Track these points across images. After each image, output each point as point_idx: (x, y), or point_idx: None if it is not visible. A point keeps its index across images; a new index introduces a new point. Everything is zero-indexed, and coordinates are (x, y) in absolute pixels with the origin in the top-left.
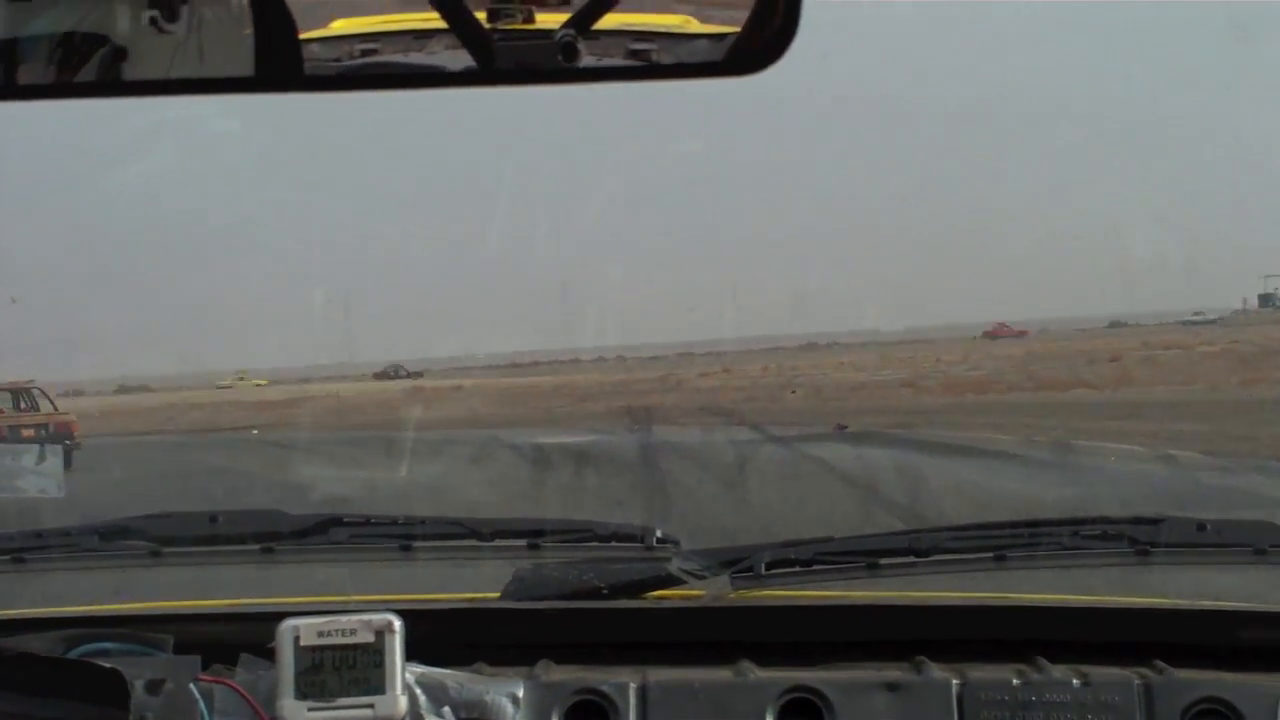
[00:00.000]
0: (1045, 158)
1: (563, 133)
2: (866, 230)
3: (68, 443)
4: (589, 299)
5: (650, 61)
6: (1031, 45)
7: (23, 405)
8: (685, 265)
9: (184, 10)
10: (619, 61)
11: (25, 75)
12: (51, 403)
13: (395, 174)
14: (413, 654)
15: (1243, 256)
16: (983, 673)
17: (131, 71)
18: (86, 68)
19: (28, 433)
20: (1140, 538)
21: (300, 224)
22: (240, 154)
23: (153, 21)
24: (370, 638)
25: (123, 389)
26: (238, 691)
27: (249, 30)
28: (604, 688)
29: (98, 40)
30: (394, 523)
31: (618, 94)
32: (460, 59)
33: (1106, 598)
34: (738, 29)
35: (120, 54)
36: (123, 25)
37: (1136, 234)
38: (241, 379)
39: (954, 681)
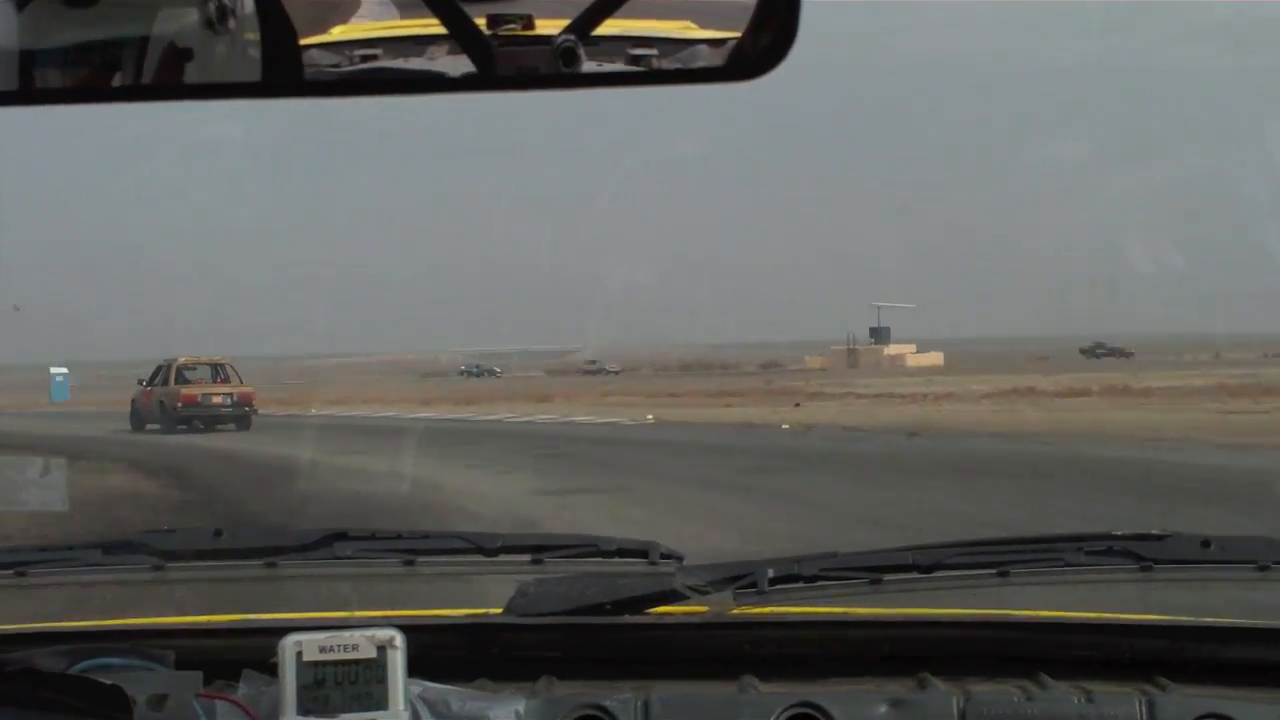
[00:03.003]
0: (1046, 167)
1: (562, 137)
2: (863, 239)
3: (247, 409)
4: (588, 301)
5: (650, 67)
6: (1033, 53)
7: (219, 377)
8: (684, 269)
9: (182, 16)
10: (619, 67)
11: (33, 80)
12: (239, 376)
13: (394, 178)
14: (415, 669)
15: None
16: (986, 689)
17: (133, 77)
18: (90, 74)
19: (217, 399)
20: (1144, 554)
21: (299, 227)
22: (242, 158)
23: (153, 28)
24: (373, 653)
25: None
26: (240, 707)
27: (249, 36)
28: (607, 703)
29: (99, 47)
30: (398, 537)
31: (618, 99)
32: (460, 64)
33: (1110, 614)
34: (738, 34)
35: (121, 60)
36: (124, 32)
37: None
38: None
39: (957, 698)
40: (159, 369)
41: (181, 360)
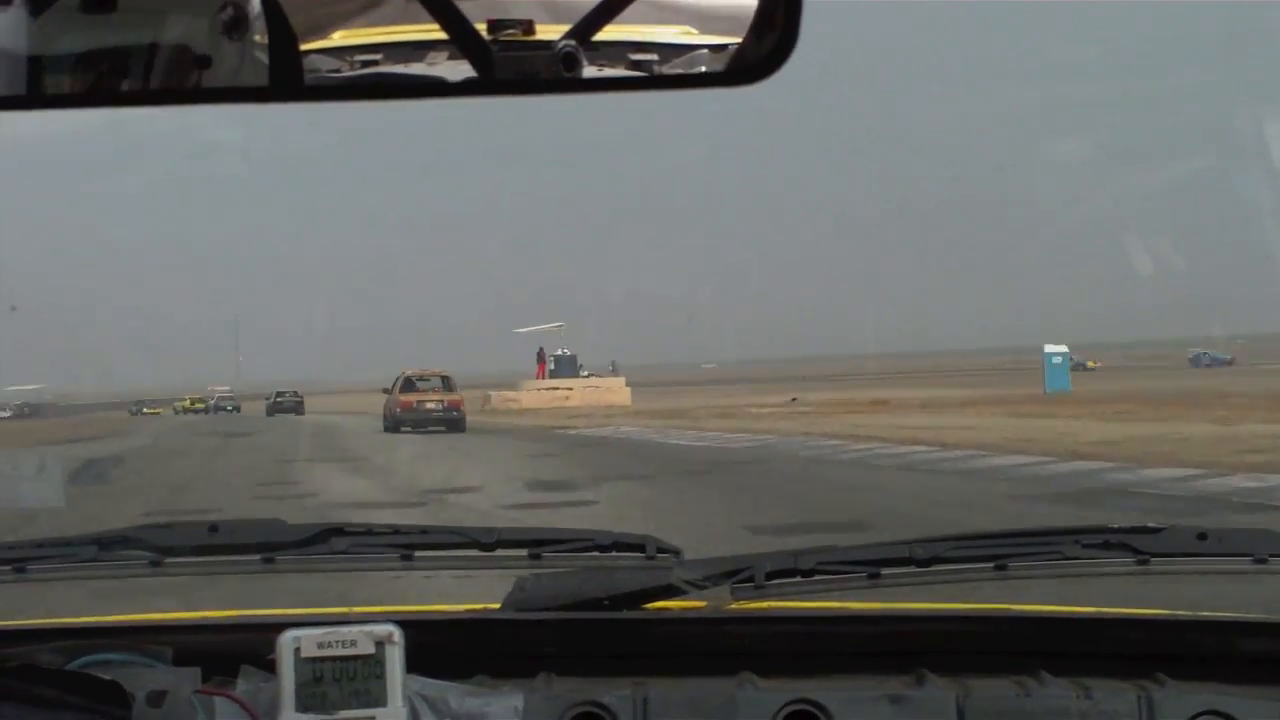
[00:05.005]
0: (1046, 171)
1: (563, 143)
2: (866, 244)
3: (455, 413)
4: (589, 311)
5: (650, 72)
6: (1034, 55)
7: (443, 387)
8: (684, 278)
9: (183, 21)
10: (619, 72)
11: (31, 86)
12: (455, 386)
13: (393, 185)
14: (413, 665)
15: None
16: (984, 684)
17: (134, 82)
18: (88, 79)
19: (430, 405)
20: (1141, 547)
21: (297, 235)
22: (239, 165)
23: (154, 33)
24: (371, 649)
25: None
26: (239, 703)
27: (249, 41)
28: (605, 699)
29: (99, 52)
30: (395, 532)
31: (618, 104)
32: (461, 69)
33: (1108, 608)
34: (739, 39)
35: (123, 65)
36: (125, 37)
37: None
38: None
39: (955, 693)
40: (397, 379)
41: (409, 372)
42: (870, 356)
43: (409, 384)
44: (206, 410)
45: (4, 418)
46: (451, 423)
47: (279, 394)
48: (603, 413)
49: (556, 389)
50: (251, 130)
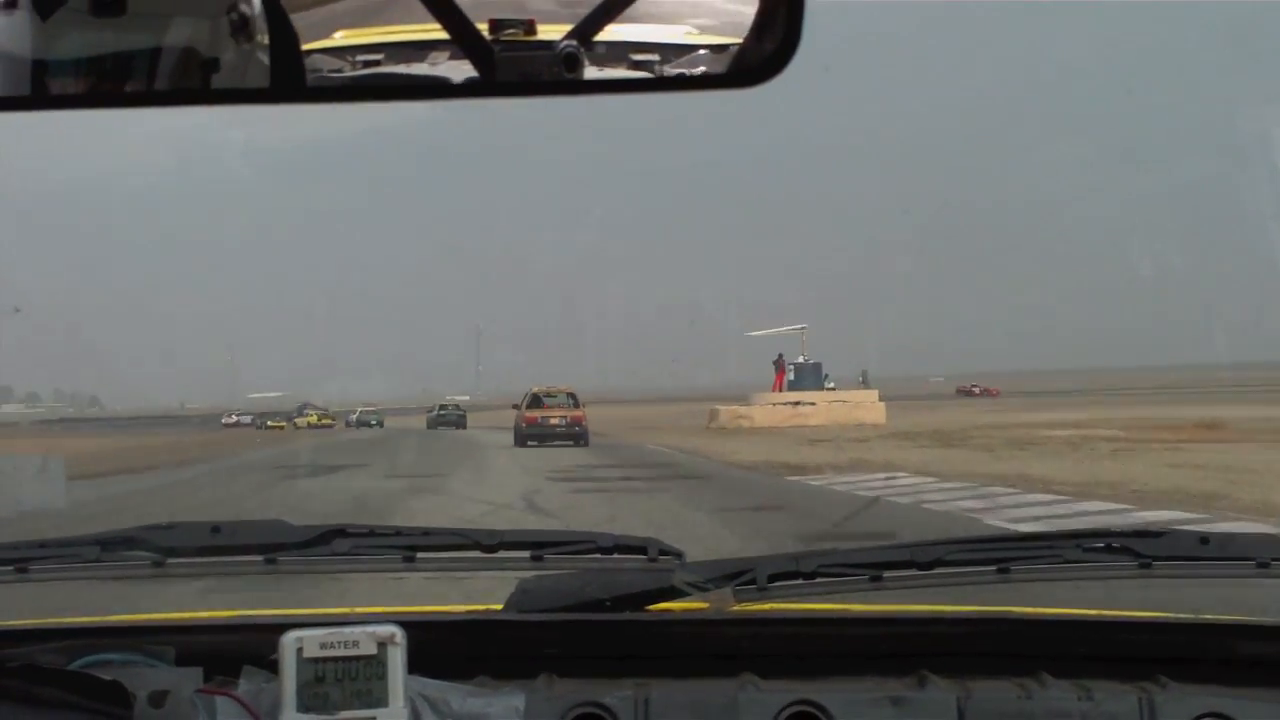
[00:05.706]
0: (1052, 170)
1: (565, 145)
2: (870, 248)
3: (577, 428)
4: (591, 320)
5: (653, 74)
6: (1038, 56)
7: (568, 404)
8: (685, 284)
9: (186, 23)
10: (621, 73)
11: (33, 87)
12: (578, 402)
13: (397, 187)
14: (415, 666)
15: None
16: (985, 686)
17: (136, 84)
18: (89, 80)
19: (554, 420)
20: (1143, 551)
21: (298, 237)
22: (241, 167)
23: (156, 34)
24: (373, 649)
25: None
26: (240, 703)
27: (252, 42)
28: (606, 700)
29: (101, 53)
30: (397, 534)
31: (620, 106)
32: (463, 70)
33: (1109, 611)
34: (740, 41)
35: (125, 66)
36: (127, 39)
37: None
38: None
39: (957, 695)
40: (525, 395)
41: (536, 389)
42: (1140, 370)
43: (535, 400)
44: (346, 424)
45: (230, 424)
46: (574, 437)
47: (442, 407)
48: (851, 434)
49: (797, 404)
50: (491, 139)
